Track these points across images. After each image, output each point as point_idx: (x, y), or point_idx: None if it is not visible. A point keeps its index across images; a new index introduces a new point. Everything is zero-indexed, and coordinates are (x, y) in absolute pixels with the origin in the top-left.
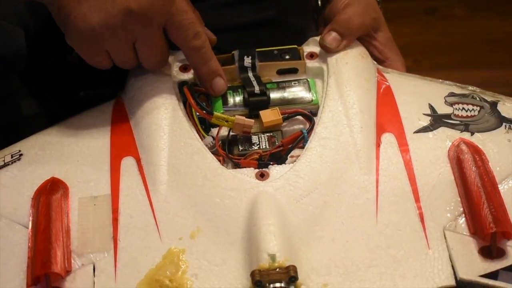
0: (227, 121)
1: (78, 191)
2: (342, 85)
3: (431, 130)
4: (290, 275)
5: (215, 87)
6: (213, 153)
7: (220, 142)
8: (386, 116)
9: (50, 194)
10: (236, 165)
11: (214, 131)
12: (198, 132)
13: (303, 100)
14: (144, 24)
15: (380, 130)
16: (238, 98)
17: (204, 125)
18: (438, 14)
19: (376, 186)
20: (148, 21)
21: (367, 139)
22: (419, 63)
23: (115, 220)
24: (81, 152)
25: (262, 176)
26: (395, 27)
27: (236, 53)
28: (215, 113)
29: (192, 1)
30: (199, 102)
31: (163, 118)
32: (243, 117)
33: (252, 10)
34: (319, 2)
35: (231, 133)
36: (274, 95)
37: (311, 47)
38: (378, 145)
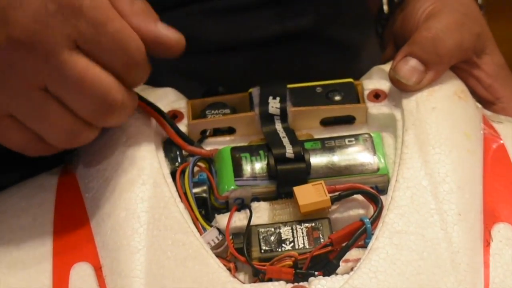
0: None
1: None
2: (426, 144)
3: None
4: None
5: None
6: (218, 255)
7: (232, 237)
8: (500, 195)
9: None
10: (258, 276)
11: (221, 218)
12: (194, 220)
13: (364, 169)
14: (44, 57)
15: (490, 218)
16: (259, 165)
17: (204, 208)
18: None
19: None
20: (47, 51)
21: (469, 233)
22: None
23: None
24: (5, 255)
25: None
26: (498, 26)
27: (255, 91)
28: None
29: (178, 6)
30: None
31: (138, 199)
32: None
33: (278, 17)
34: (385, 7)
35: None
36: (317, 160)
37: (375, 81)
38: (487, 243)
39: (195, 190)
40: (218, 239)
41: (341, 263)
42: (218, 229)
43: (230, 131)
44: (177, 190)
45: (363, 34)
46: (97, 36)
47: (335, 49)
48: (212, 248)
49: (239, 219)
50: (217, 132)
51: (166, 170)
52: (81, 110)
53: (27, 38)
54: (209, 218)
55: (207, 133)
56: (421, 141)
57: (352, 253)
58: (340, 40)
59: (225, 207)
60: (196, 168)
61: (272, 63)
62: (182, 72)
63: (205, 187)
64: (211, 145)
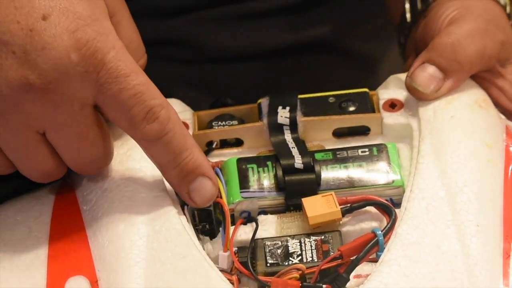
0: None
1: None
2: (444, 153)
3: None
4: None
5: (196, 195)
6: (222, 270)
7: (237, 251)
8: None
9: None
10: None
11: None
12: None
13: (378, 181)
14: (54, 105)
15: (510, 230)
16: (267, 177)
17: (208, 222)
18: None
19: None
20: (59, 100)
21: (488, 245)
22: None
23: None
24: None
25: None
26: None
27: (264, 101)
28: None
29: (187, 11)
30: None
31: (138, 211)
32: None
33: (291, 26)
34: (408, 15)
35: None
36: (328, 171)
37: (391, 91)
38: (507, 255)
39: None
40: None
41: (352, 278)
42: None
43: (237, 143)
44: (179, 202)
45: (382, 46)
46: (118, 92)
47: (351, 61)
48: (217, 263)
49: (244, 233)
50: (224, 144)
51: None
52: (70, 161)
53: (42, 84)
54: (213, 233)
55: (214, 145)
56: (438, 150)
57: (365, 268)
58: (356, 52)
59: (231, 221)
60: None
61: (284, 74)
62: (191, 81)
63: None
64: (217, 158)
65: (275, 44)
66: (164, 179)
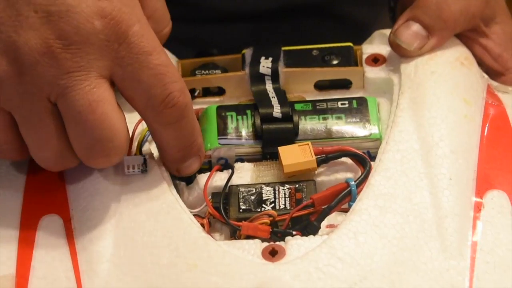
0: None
1: None
2: (422, 108)
3: None
4: None
5: (185, 171)
6: (195, 214)
7: (212, 196)
8: (497, 162)
9: None
10: (234, 235)
11: (202, 178)
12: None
13: (356, 133)
14: (69, 70)
15: (483, 185)
16: (245, 125)
17: None
18: None
19: (469, 279)
20: (75, 66)
21: (459, 199)
22: None
23: None
24: None
25: (273, 254)
26: None
27: (248, 52)
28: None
29: None
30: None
31: None
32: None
33: None
34: None
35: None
36: (306, 123)
37: (375, 46)
38: (477, 209)
39: None
40: (139, 167)
41: (325, 228)
42: (146, 159)
43: (220, 92)
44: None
45: (374, 11)
46: (137, 65)
47: (343, 26)
48: (190, 207)
49: (220, 179)
50: (207, 93)
51: None
52: (75, 142)
53: (61, 47)
54: (189, 179)
55: (196, 93)
56: (417, 104)
57: (338, 219)
58: (349, 17)
59: (208, 168)
60: None
61: (275, 37)
62: (180, 39)
63: None
64: (199, 105)
65: (268, 6)
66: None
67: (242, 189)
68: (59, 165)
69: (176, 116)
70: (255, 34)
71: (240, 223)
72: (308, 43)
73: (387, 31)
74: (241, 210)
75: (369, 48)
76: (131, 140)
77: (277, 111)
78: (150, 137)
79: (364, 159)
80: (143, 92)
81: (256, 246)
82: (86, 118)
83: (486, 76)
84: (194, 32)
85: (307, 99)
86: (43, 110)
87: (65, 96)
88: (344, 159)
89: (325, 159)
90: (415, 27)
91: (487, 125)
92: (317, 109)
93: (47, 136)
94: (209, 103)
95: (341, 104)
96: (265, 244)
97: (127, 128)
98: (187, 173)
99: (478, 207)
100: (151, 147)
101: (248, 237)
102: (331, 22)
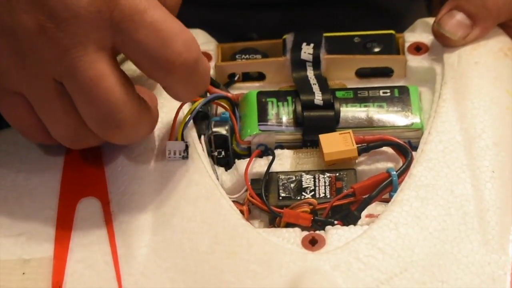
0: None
1: None
2: (465, 99)
3: None
4: None
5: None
6: (235, 201)
7: (251, 182)
8: None
9: None
10: (273, 223)
11: (241, 164)
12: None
13: (397, 122)
14: (66, 47)
15: None
16: (286, 111)
17: (224, 149)
18: None
19: (511, 274)
20: (72, 42)
21: (502, 192)
22: None
23: None
24: (14, 187)
25: (313, 244)
26: None
27: (289, 37)
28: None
29: None
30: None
31: (156, 136)
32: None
33: None
34: None
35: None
36: (347, 110)
37: (417, 34)
38: None
39: (216, 129)
40: (180, 153)
41: (364, 217)
42: (187, 145)
43: (260, 77)
44: (197, 131)
45: (410, 3)
46: (133, 26)
47: (376, 15)
48: (230, 193)
49: (259, 165)
50: (247, 77)
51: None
52: (86, 118)
53: (53, 25)
54: (229, 163)
55: (236, 78)
56: (460, 95)
57: (378, 209)
58: (384, 7)
59: (247, 154)
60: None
61: (307, 26)
62: (213, 26)
63: (226, 127)
64: (239, 90)
65: None
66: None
67: (282, 176)
68: (78, 142)
69: (187, 73)
70: (288, 21)
71: (281, 210)
72: (342, 32)
73: (430, 20)
74: (280, 198)
75: (411, 37)
76: (172, 125)
77: (318, 98)
78: (191, 122)
79: (406, 149)
80: (145, 54)
81: (296, 235)
82: (91, 93)
83: None
84: (226, 18)
85: (348, 86)
86: (51, 90)
87: (68, 74)
88: (385, 148)
89: (366, 148)
90: (459, 16)
91: None
92: (359, 97)
93: (58, 115)
94: (249, 88)
95: (383, 92)
96: (305, 233)
97: (138, 97)
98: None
99: None
100: (191, 134)
101: (288, 225)
102: (363, 10)
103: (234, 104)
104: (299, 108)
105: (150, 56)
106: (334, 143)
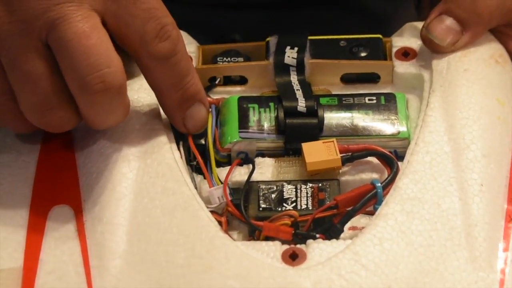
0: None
1: None
2: (454, 108)
3: None
4: None
5: (190, 121)
6: (212, 211)
7: (231, 193)
8: None
9: None
10: (252, 235)
11: (220, 172)
12: (204, 171)
13: (383, 131)
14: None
15: None
16: (267, 118)
17: (202, 158)
18: None
19: None
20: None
21: (490, 207)
22: None
23: None
24: None
25: (293, 258)
26: None
27: (273, 40)
28: None
29: None
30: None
31: (131, 142)
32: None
33: None
34: None
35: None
36: (332, 118)
37: (405, 39)
38: (509, 219)
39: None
40: (219, 197)
41: (347, 230)
42: (230, 188)
43: (242, 81)
44: (175, 138)
45: (397, 5)
46: (131, 6)
47: (364, 19)
48: (208, 203)
49: (239, 174)
50: (228, 81)
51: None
52: (69, 75)
53: None
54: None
55: (217, 81)
56: (448, 104)
57: (361, 221)
58: (371, 9)
59: (227, 161)
60: None
61: (292, 26)
62: (195, 25)
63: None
64: (219, 95)
65: None
66: (161, 110)
67: (263, 186)
68: (49, 112)
69: (170, 49)
70: (272, 22)
71: (261, 223)
72: (327, 34)
73: (419, 24)
74: (260, 209)
75: (399, 41)
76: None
77: (301, 105)
78: (169, 128)
79: (392, 160)
80: (138, 27)
81: (275, 249)
82: (80, 44)
83: None
84: (209, 17)
85: (333, 92)
86: (33, 49)
87: (56, 27)
88: (370, 158)
89: (350, 157)
90: (449, 21)
91: None
92: (343, 104)
93: (34, 77)
94: (230, 93)
95: (369, 99)
96: (285, 246)
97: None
98: (195, 124)
99: (510, 216)
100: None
101: (268, 237)
102: (351, 14)
103: (216, 108)
104: (281, 114)
105: (143, 30)
106: (317, 152)
